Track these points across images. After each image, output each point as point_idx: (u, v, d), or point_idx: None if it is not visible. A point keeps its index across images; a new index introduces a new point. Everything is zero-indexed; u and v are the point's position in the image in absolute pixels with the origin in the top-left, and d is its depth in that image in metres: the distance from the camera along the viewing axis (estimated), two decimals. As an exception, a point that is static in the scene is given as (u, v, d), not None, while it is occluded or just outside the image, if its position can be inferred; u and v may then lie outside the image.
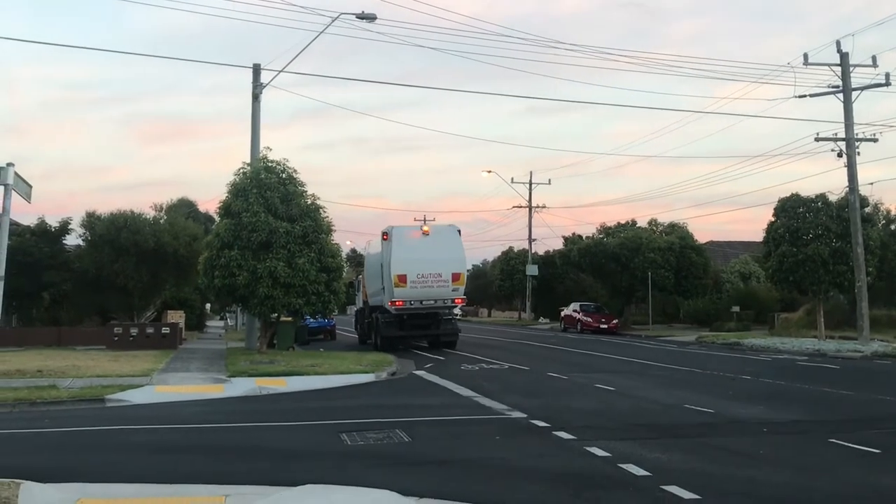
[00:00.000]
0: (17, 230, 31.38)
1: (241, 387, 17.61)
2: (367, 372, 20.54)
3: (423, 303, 30.21)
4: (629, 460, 9.54)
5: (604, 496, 8.11)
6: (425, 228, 31.27)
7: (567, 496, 8.04)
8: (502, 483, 8.68)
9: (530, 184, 66.37)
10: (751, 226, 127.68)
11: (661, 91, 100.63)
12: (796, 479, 8.92)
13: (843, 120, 31.88)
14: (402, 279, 29.64)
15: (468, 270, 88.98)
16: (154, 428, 12.52)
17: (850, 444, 10.74)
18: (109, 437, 11.77)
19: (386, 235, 30.81)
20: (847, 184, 32.15)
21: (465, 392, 16.88)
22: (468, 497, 7.93)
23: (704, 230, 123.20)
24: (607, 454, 9.96)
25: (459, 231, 31.50)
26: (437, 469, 9.42)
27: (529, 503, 7.66)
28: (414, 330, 31.15)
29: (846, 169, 31.84)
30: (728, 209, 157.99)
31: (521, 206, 67.07)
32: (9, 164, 8.86)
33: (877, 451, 10.40)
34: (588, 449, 10.32)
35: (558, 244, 63.29)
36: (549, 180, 66.69)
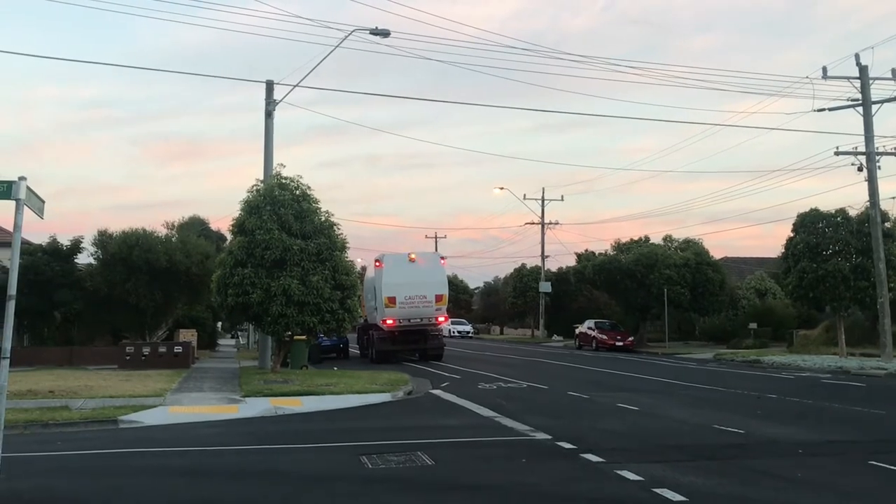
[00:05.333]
0: (28, 249, 31.20)
1: (257, 407, 17.25)
2: (383, 391, 20.14)
3: (411, 321, 33.76)
4: (663, 485, 9.12)
5: (643, 524, 7.70)
6: (412, 256, 34.78)
7: (604, 524, 7.63)
8: (534, 510, 8.28)
9: (543, 200, 66.11)
10: (764, 241, 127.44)
11: (675, 105, 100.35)
12: (843, 505, 8.49)
13: (862, 133, 31.51)
14: (392, 301, 33.36)
15: (477, 288, 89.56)
16: (169, 451, 12.16)
17: (892, 467, 10.29)
18: (124, 461, 11.42)
19: (378, 262, 34.79)
20: (868, 198, 31.77)
21: (486, 412, 16.46)
22: (500, 525, 7.54)
23: (717, 246, 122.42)
24: (640, 478, 9.55)
25: (443, 258, 36.70)
26: (465, 495, 9.02)
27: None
28: (405, 344, 34.37)
29: (867, 183, 31.52)
30: (741, 226, 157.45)
31: (533, 223, 66.88)
32: (21, 178, 8.53)
33: (922, 474, 9.94)
34: (619, 472, 9.90)
35: (571, 261, 63.04)
36: (562, 197, 67.86)
